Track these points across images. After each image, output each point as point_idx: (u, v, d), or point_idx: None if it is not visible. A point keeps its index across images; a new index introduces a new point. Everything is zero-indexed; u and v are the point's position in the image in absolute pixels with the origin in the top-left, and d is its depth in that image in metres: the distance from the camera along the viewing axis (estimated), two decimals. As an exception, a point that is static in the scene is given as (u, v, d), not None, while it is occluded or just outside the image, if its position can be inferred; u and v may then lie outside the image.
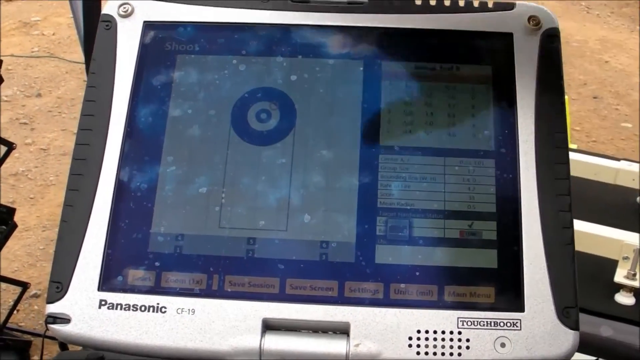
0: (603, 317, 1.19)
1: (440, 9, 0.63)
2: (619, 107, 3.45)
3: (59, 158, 2.81)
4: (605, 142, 3.12)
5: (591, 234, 1.28)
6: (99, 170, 0.59)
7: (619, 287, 1.25)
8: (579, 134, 3.12)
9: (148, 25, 0.64)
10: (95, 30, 0.64)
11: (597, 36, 4.18)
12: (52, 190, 2.62)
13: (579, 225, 1.28)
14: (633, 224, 1.38)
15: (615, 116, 3.37)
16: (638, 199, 1.65)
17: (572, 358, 0.55)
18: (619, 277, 1.24)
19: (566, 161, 0.58)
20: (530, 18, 0.62)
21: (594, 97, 3.51)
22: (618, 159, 1.69)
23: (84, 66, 3.37)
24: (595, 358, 1.14)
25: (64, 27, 3.87)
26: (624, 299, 1.24)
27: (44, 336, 0.56)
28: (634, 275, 1.23)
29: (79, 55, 3.40)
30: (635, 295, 1.25)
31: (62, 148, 2.87)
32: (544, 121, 0.59)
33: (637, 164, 1.64)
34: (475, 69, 0.62)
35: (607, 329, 1.16)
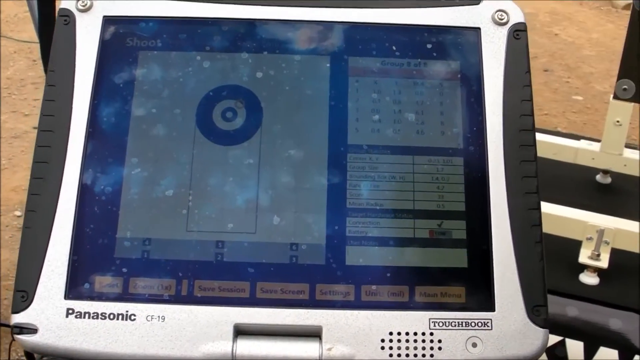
0: (568, 297, 1.21)
1: (407, 3, 0.62)
2: (569, 80, 3.49)
3: (10, 141, 2.75)
4: (557, 115, 3.15)
5: (555, 215, 1.30)
6: (62, 174, 0.57)
7: (583, 267, 1.28)
8: (532, 107, 3.14)
9: (108, 21, 0.62)
10: (50, 23, 0.62)
11: (547, 8, 4.21)
12: (5, 174, 2.56)
13: (543, 206, 1.30)
14: (593, 203, 1.40)
15: (567, 89, 3.40)
16: (597, 177, 1.68)
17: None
18: (583, 257, 1.27)
19: (534, 159, 0.58)
20: (497, 12, 0.62)
21: (545, 70, 3.54)
22: (578, 138, 1.71)
23: (32, 45, 3.29)
24: (561, 337, 1.16)
25: (10, 4, 3.76)
26: (589, 279, 1.27)
27: (12, 327, 0.55)
28: (598, 255, 1.26)
29: (28, 34, 3.32)
30: (599, 275, 1.27)
31: (13, 130, 2.80)
32: (511, 119, 0.59)
33: (597, 143, 1.67)
34: (443, 64, 0.61)
35: (572, 309, 1.19)
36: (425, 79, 0.61)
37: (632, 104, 1.57)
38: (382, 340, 0.54)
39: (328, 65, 0.61)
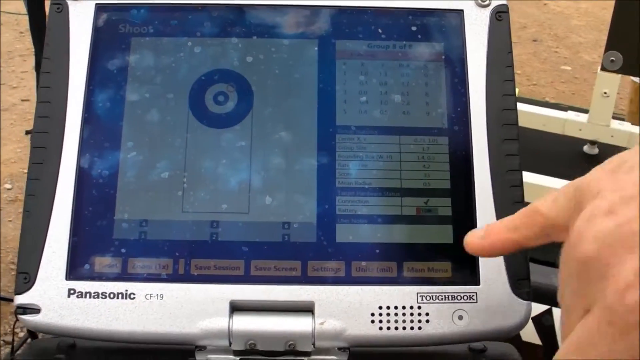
0: (554, 266, 1.24)
1: None
2: (558, 49, 3.51)
3: (-1, 113, 2.76)
4: (546, 85, 3.18)
5: (542, 186, 1.33)
6: (59, 158, 0.59)
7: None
8: (520, 77, 3.16)
9: (100, 8, 0.63)
10: (40, 14, 0.64)
11: (536, -22, 4.22)
12: (-7, 147, 2.58)
13: (530, 177, 1.33)
14: (580, 174, 1.43)
15: (555, 59, 3.42)
16: (584, 148, 1.71)
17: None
18: None
19: (516, 137, 0.60)
20: None
21: (534, 40, 3.56)
22: (565, 109, 1.74)
23: (19, 17, 3.29)
24: (548, 307, 1.19)
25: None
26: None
27: (15, 307, 0.57)
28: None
29: (14, 6, 3.31)
30: None
31: (2, 103, 2.81)
32: (494, 99, 0.61)
33: (584, 115, 1.69)
34: (427, 46, 0.63)
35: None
36: (411, 61, 0.63)
37: (620, 75, 1.59)
38: (372, 314, 0.57)
39: (316, 48, 0.63)
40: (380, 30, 0.63)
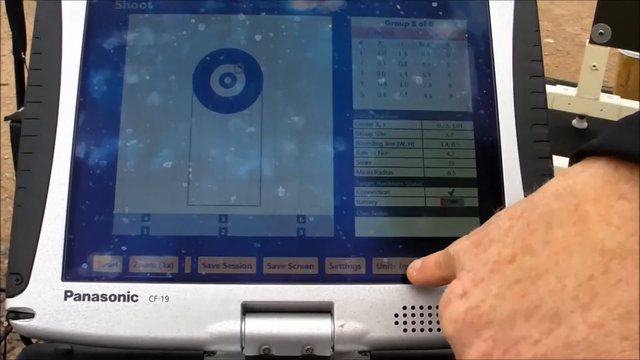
0: None
1: None
2: (540, 22, 3.49)
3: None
4: (528, 58, 3.15)
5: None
6: (52, 147, 0.54)
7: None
8: (503, 51, 3.14)
9: None
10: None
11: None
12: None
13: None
14: (569, 148, 1.41)
15: (537, 32, 3.40)
16: (573, 122, 1.68)
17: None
18: None
19: (546, 122, 0.56)
20: None
21: (515, 13, 3.54)
22: (554, 83, 1.71)
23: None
24: None
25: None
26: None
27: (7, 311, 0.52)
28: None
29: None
30: None
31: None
32: (521, 80, 0.57)
33: (573, 89, 1.67)
34: (449, 24, 0.58)
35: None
36: (432, 40, 0.58)
37: (608, 48, 1.58)
38: (396, 315, 0.53)
39: (330, 26, 0.58)
40: (398, 7, 0.58)
